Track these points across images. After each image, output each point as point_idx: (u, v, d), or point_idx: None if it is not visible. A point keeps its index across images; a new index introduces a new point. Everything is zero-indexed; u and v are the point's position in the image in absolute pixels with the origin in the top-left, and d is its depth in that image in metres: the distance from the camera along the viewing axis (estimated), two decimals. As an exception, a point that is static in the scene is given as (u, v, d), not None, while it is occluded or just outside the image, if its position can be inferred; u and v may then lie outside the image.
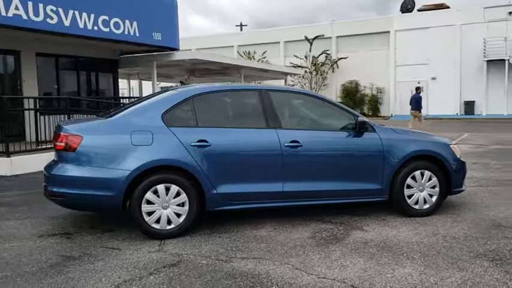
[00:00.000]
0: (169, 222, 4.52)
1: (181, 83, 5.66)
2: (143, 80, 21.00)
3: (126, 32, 12.22)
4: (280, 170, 4.83)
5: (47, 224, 5.13)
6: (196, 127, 4.73)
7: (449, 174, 5.28)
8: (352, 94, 32.62)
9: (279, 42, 36.01)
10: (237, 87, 5.14)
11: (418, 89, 17.51)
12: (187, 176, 4.55)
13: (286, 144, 4.81)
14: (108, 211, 4.93)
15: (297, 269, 3.70)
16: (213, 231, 4.74)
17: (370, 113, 31.70)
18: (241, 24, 47.11)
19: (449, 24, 30.15)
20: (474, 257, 3.93)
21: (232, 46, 37.48)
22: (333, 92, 33.53)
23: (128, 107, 5.23)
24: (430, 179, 5.22)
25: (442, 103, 30.50)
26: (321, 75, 33.44)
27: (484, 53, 28.90)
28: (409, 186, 5.17)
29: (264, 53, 35.02)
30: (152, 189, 4.45)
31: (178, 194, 4.53)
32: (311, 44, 33.76)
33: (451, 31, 30.11)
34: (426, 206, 5.23)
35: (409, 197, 5.17)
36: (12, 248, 4.32)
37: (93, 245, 4.39)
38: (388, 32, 32.28)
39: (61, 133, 4.50)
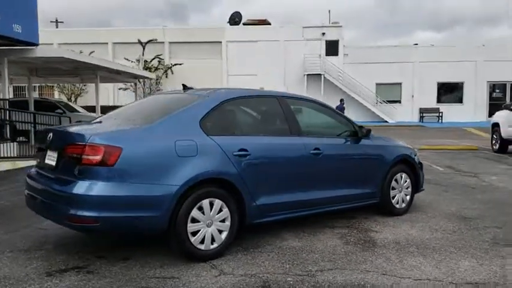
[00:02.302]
0: (212, 241, 4.07)
1: (184, 86, 4.91)
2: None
3: (-15, 20, 10.08)
4: (306, 178, 4.80)
5: (33, 259, 4.03)
6: (233, 135, 4.37)
7: (418, 175, 6.01)
8: (187, 100, 32.82)
9: (107, 43, 33.95)
10: (260, 93, 4.90)
11: (341, 100, 20.90)
12: (229, 189, 4.17)
13: (311, 152, 4.81)
14: (150, 234, 4.14)
15: (384, 274, 3.78)
16: (244, 248, 4.42)
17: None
18: (56, 20, 42.76)
19: (275, 40, 33.01)
20: (493, 244, 4.61)
21: (52, 44, 33.73)
22: (166, 98, 33.23)
23: (128, 112, 4.54)
24: (405, 181, 5.85)
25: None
26: (156, 80, 32.74)
27: (304, 67, 32.52)
28: (393, 188, 5.69)
29: (91, 53, 32.44)
30: (197, 205, 3.95)
31: (220, 209, 4.11)
32: (144, 48, 32.78)
33: (277, 46, 33.01)
34: (403, 205, 5.84)
35: (393, 197, 5.70)
36: (35, 295, 3.30)
37: (136, 277, 3.66)
38: (220, 42, 33.58)
39: (87, 143, 3.62)
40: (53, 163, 3.99)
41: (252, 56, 32.73)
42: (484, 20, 77.54)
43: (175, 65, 33.31)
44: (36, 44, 12.31)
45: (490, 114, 33.45)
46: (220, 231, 4.13)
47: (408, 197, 5.90)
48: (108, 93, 33.07)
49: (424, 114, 33.08)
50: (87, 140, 3.65)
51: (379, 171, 5.52)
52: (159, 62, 33.34)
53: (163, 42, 33.65)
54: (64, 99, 30.52)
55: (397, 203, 5.75)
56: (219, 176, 4.09)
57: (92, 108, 21.64)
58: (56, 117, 13.03)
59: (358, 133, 5.38)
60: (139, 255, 4.15)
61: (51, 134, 4.07)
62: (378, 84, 33.38)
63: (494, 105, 33.84)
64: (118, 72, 17.75)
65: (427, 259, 4.17)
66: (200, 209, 3.97)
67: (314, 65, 32.29)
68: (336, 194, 5.10)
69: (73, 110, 18.51)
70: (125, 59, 32.53)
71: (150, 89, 32.86)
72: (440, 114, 32.94)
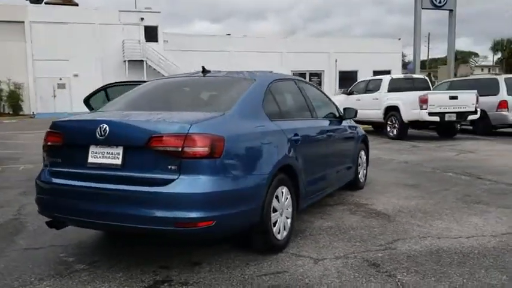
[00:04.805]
0: (283, 229, 3.88)
1: (204, 69, 4.11)
2: None
3: None
4: (326, 160, 4.90)
5: (88, 282, 3.16)
6: (284, 119, 4.15)
7: (368, 152, 6.65)
8: (-17, 89, 27.79)
9: None
10: (283, 76, 4.70)
11: None
12: (290, 175, 3.99)
13: (327, 134, 4.91)
14: (244, 229, 3.55)
15: (439, 238, 4.16)
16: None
17: (10, 111, 28.02)
18: None
19: (89, 23, 30.46)
20: (466, 203, 5.46)
21: None
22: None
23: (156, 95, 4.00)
24: (364, 158, 6.42)
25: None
26: None
27: (123, 53, 30.94)
28: (359, 164, 6.19)
29: None
30: (275, 194, 3.70)
31: (286, 197, 3.93)
32: None
33: (91, 29, 30.54)
34: (363, 179, 6.40)
35: (358, 173, 6.20)
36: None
37: (243, 279, 3.25)
38: (23, 22, 29.30)
39: (188, 134, 3.01)
40: (116, 161, 3.16)
41: (63, 39, 29.59)
42: (251, 14, 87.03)
43: (-36, 46, 27.81)
44: None
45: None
46: (287, 219, 3.94)
47: (365, 172, 6.50)
48: None
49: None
50: (187, 130, 3.02)
51: (355, 150, 5.93)
52: None
53: None
54: None
55: (361, 178, 6.28)
56: (288, 162, 3.89)
57: None
58: None
59: (341, 115, 5.64)
60: (205, 257, 3.65)
61: (105, 127, 3.17)
62: (197, 72, 34.06)
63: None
64: None
65: (445, 221, 4.73)
66: (276, 197, 3.73)
67: (134, 50, 31.05)
68: (339, 173, 5.33)
69: None
70: None
71: None
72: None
